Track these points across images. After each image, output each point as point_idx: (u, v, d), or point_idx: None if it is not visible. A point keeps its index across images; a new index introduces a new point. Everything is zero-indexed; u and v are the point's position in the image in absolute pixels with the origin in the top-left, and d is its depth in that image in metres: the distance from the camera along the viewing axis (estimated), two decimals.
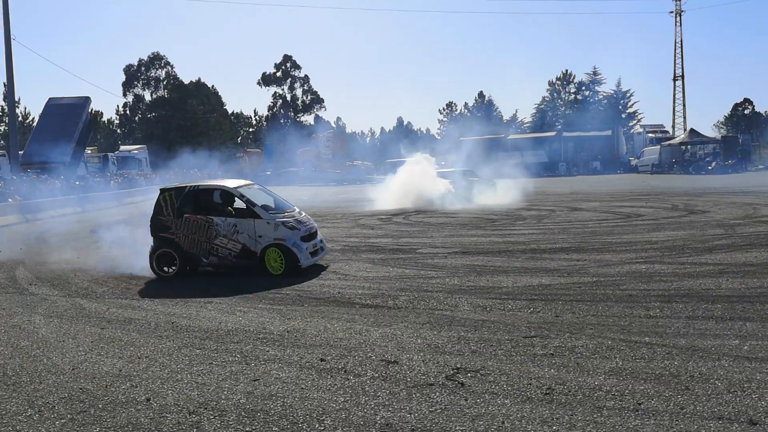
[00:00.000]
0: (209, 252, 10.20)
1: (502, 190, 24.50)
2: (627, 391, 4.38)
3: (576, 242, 12.16)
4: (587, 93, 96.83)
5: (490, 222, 16.80)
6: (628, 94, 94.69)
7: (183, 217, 10.21)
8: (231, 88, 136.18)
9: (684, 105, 78.10)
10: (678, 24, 78.48)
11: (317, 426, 4.04)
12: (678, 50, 78.34)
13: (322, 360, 5.35)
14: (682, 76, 78.32)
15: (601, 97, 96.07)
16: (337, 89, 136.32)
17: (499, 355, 5.32)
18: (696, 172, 46.64)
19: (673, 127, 77.01)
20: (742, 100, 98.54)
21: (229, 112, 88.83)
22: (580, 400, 4.26)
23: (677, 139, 58.20)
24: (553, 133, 63.54)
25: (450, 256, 10.98)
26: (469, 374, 4.85)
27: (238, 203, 10.43)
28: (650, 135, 66.01)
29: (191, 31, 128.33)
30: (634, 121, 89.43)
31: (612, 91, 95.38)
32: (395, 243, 13.04)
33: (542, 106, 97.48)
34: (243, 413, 4.26)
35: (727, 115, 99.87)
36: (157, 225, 10.33)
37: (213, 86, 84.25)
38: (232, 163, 57.59)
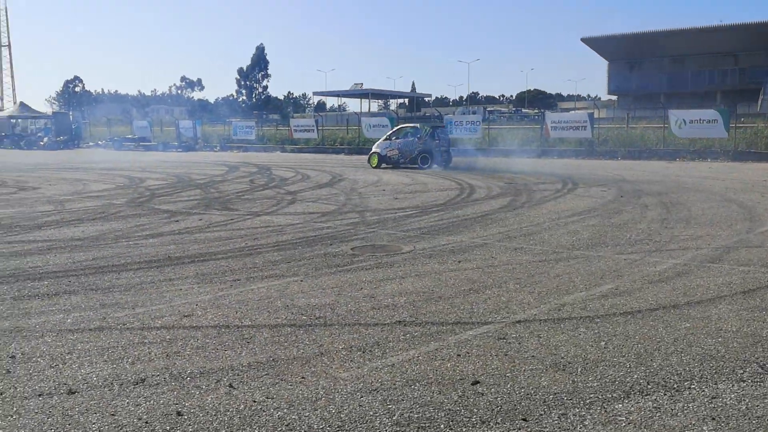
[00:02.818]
0: None
1: None
2: None
3: None
4: None
5: None
6: None
7: None
8: None
9: (12, 77, 74.83)
10: None
11: None
12: (4, 17, 74.33)
13: None
14: (9, 46, 74.75)
15: None
16: None
17: None
18: (28, 148, 45.53)
19: (2, 99, 73.05)
20: (73, 77, 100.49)
21: None
22: None
23: (6, 112, 55.47)
24: None
25: None
26: None
27: None
28: None
29: None
30: None
31: None
32: None
33: None
34: None
35: (58, 91, 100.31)
36: None
37: None
38: None
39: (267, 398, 3.90)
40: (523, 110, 78.44)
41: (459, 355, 4.62)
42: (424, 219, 11.34)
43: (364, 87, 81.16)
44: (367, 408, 3.77)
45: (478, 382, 4.13)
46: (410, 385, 4.09)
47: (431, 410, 3.73)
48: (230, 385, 4.09)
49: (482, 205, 13.17)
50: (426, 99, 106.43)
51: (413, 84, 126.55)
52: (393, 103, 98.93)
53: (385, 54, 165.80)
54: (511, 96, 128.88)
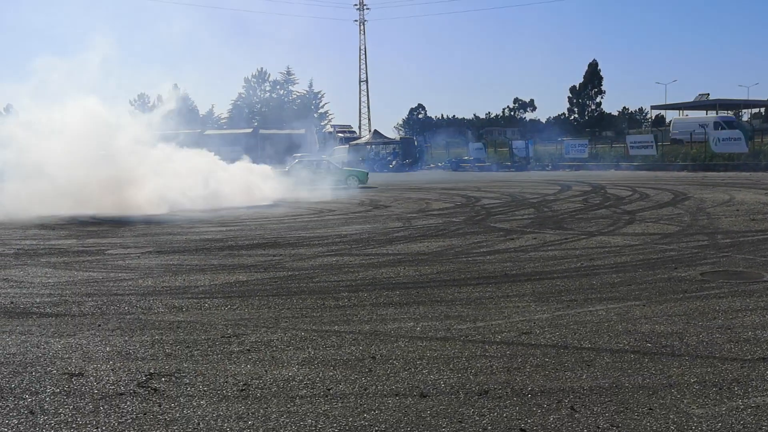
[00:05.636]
0: None
1: None
2: (318, 379, 4.64)
3: (272, 238, 12.47)
4: (282, 92, 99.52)
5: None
6: (320, 95, 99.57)
7: None
8: None
9: (368, 107, 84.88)
10: (362, 32, 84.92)
11: None
12: (362, 56, 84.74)
13: None
14: (366, 81, 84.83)
15: (294, 96, 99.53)
16: None
17: (195, 356, 5.24)
18: (380, 170, 50.80)
19: (360, 127, 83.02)
20: (416, 105, 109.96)
21: None
22: (274, 392, 4.40)
23: (363, 139, 62.83)
24: (249, 130, 64.11)
25: (143, 256, 10.48)
26: (163, 379, 4.70)
27: None
28: (340, 135, 70.34)
29: None
30: (326, 121, 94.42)
31: (305, 92, 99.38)
32: (80, 244, 12.03)
33: (238, 102, 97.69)
34: None
35: (404, 118, 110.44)
36: None
37: None
38: None
39: (611, 426, 3.74)
40: None
41: None
42: None
43: (711, 98, 74.06)
44: None
45: None
46: None
47: None
48: (572, 407, 4.01)
49: None
50: None
51: None
52: (746, 114, 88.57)
53: (737, 60, 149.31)
54: None
